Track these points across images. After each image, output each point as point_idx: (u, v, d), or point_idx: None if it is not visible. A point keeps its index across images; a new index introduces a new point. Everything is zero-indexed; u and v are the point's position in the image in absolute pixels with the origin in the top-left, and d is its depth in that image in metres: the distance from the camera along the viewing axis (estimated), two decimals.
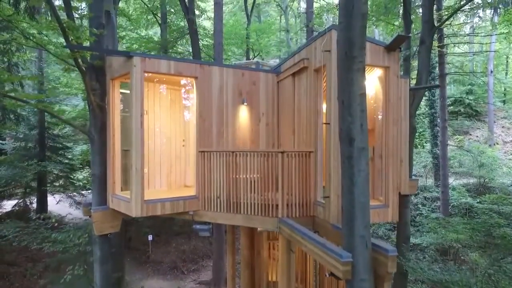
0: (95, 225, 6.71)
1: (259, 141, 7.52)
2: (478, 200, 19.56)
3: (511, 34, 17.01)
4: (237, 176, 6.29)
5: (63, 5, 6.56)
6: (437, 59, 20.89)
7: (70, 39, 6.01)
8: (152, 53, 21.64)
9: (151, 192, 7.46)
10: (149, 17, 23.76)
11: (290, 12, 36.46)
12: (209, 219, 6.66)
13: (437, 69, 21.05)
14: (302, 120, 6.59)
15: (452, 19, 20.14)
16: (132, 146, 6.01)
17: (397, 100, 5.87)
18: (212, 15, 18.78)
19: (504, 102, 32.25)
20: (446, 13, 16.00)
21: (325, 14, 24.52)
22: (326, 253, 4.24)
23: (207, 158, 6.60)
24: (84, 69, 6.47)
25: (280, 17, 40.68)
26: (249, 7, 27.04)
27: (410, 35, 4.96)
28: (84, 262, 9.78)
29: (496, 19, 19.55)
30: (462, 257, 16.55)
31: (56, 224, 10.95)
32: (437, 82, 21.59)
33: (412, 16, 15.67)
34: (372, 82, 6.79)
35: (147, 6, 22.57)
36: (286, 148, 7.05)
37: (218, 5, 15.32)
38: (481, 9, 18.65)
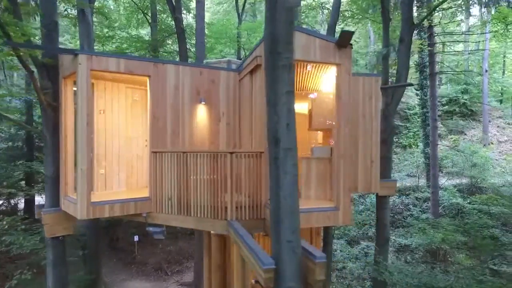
0: (45, 227, 6.56)
1: (219, 141, 7.34)
2: (468, 201, 19.30)
3: (500, 32, 16.70)
4: (187, 177, 6.11)
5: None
6: (428, 58, 20.68)
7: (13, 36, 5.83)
8: (143, 53, 21.53)
9: (108, 193, 7.30)
10: (139, 16, 23.58)
11: None
12: (162, 221, 6.49)
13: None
14: (257, 119, 6.39)
15: (441, 18, 19.90)
16: (78, 147, 5.85)
17: (349, 99, 5.65)
18: (204, 14, 18.60)
19: (501, 101, 31.88)
20: (438, 11, 15.83)
21: (320, 12, 24.31)
22: (254, 258, 4.05)
23: (159, 158, 6.42)
24: (30, 68, 6.30)
25: None
26: (246, 7, 26.85)
27: (354, 30, 4.75)
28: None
29: (488, 17, 19.25)
30: (449, 259, 16.30)
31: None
32: (428, 82, 21.35)
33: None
34: (332, 80, 6.59)
35: (137, 5, 22.38)
36: (237, 149, 6.87)
37: (200, 4, 15.16)
38: (472, 6, 18.36)
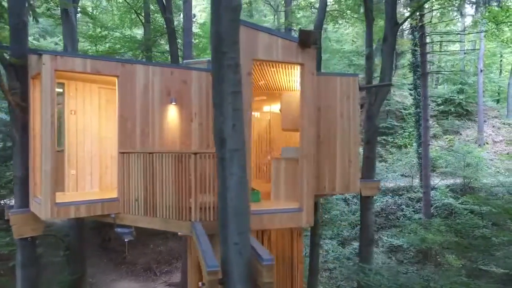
0: (13, 228, 6.53)
1: (191, 142, 7.28)
2: (460, 201, 19.23)
3: (491, 32, 16.64)
4: (153, 178, 6.07)
5: None
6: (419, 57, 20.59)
7: None
8: (137, 52, 21.54)
9: (79, 194, 7.27)
10: (133, 16, 23.52)
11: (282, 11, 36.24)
12: (130, 223, 6.46)
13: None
14: None
15: (432, 17, 19.81)
16: (42, 147, 5.82)
17: (313, 98, 5.59)
18: (197, 14, 18.56)
19: (497, 101, 31.73)
20: (429, 11, 15.73)
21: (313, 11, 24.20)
22: (202, 260, 4.01)
23: (126, 159, 6.39)
24: None
25: (274, 16, 40.41)
26: (243, 6, 26.71)
27: (313, 30, 4.63)
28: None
29: (478, 16, 19.17)
30: (439, 259, 16.24)
31: None
32: (418, 81, 21.27)
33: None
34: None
35: (129, 4, 22.30)
36: (210, 149, 6.83)
37: (187, 4, 15.12)
38: (463, 6, 18.25)
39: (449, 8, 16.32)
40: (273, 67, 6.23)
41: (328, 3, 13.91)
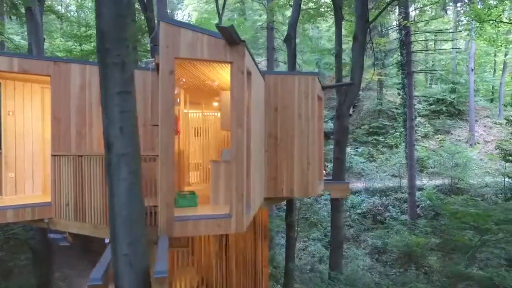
0: None
1: None
2: (445, 202, 18.90)
3: (473, 31, 16.29)
4: (83, 182, 5.82)
5: None
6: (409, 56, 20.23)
7: None
8: None
9: (18, 197, 7.01)
10: None
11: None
12: (63, 228, 6.20)
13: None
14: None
15: (415, 16, 19.49)
16: None
17: (242, 98, 5.29)
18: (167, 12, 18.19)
19: (491, 100, 31.30)
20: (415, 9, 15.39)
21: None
22: None
23: (57, 162, 6.13)
24: None
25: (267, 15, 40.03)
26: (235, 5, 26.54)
27: (231, 25, 4.34)
28: None
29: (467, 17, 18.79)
30: (420, 261, 15.94)
31: None
32: (406, 80, 20.90)
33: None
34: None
35: None
36: (153, 151, 6.54)
37: (161, 1, 14.83)
38: (448, 5, 17.89)
39: (433, 7, 15.95)
40: (206, 66, 5.95)
41: (304, 1, 13.60)
